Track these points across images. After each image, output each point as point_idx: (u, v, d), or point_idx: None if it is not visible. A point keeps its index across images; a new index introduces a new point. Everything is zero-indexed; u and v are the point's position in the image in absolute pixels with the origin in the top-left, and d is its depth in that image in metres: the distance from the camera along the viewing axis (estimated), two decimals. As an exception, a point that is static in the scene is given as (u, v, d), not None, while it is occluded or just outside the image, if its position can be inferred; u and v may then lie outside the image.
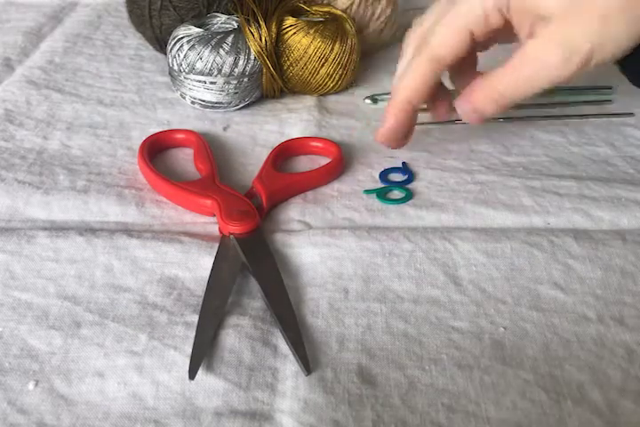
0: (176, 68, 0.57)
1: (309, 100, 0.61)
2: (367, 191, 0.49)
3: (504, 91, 0.41)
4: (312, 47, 0.57)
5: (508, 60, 0.41)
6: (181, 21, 0.61)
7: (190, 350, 0.36)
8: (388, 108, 0.46)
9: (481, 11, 0.41)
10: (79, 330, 0.38)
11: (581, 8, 0.37)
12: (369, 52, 0.68)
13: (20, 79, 0.65)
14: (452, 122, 0.57)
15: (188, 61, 0.56)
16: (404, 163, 0.52)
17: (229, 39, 0.56)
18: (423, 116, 0.58)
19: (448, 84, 0.49)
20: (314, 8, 0.62)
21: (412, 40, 0.46)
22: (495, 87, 0.42)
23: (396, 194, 0.49)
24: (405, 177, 0.50)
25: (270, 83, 0.58)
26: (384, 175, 0.50)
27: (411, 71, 0.44)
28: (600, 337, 0.37)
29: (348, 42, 0.58)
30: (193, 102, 0.59)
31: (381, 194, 0.48)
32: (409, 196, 0.48)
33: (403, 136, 0.48)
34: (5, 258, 0.42)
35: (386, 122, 0.46)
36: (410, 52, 0.46)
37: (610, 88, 0.62)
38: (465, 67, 0.47)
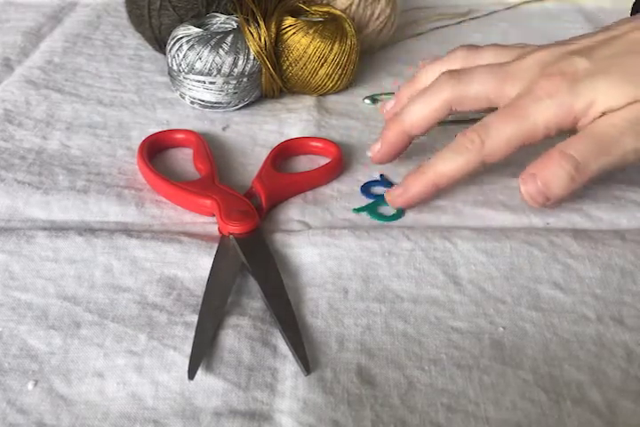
0: (175, 68, 0.57)
1: (309, 100, 0.61)
2: (356, 210, 0.47)
3: (582, 162, 0.39)
4: (311, 47, 0.57)
5: (579, 134, 0.40)
6: (181, 21, 0.61)
7: (190, 350, 0.36)
8: (414, 181, 0.45)
9: (542, 129, 0.41)
10: (79, 330, 0.38)
11: None
12: (368, 52, 0.68)
13: (20, 79, 0.65)
14: (452, 122, 0.57)
15: (188, 61, 0.56)
16: (381, 175, 0.51)
17: (229, 39, 0.56)
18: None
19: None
20: (313, 8, 0.62)
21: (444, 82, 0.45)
22: (572, 156, 0.39)
23: (387, 209, 0.47)
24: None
25: (270, 83, 0.59)
26: (366, 190, 0.49)
27: (453, 160, 0.43)
28: (599, 337, 0.37)
29: (348, 42, 0.58)
30: (192, 102, 0.59)
31: (373, 211, 0.47)
32: (400, 211, 0.47)
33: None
34: (5, 258, 0.42)
35: (408, 193, 0.45)
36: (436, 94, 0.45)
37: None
38: None
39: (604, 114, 0.40)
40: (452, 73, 0.45)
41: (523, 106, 0.41)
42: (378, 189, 0.49)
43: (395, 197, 0.46)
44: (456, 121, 0.57)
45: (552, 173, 0.40)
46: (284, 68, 0.58)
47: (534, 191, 0.41)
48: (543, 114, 0.41)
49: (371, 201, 0.48)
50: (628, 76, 0.40)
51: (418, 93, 0.46)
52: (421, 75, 0.50)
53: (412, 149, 0.49)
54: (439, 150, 0.44)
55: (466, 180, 0.45)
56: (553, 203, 0.42)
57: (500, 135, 0.42)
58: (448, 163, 0.43)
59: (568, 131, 0.42)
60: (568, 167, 0.39)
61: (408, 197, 0.46)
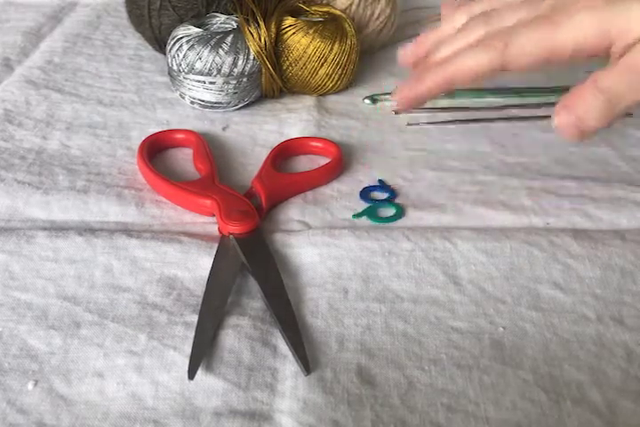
0: (175, 68, 0.57)
1: (309, 100, 0.61)
2: (356, 215, 0.47)
3: (615, 94, 0.37)
4: (311, 47, 0.57)
5: (615, 66, 0.37)
6: (181, 21, 0.61)
7: (190, 350, 0.36)
8: (427, 77, 0.42)
9: (571, 45, 0.38)
10: (79, 330, 0.38)
11: None
12: (368, 52, 0.68)
13: (20, 79, 0.65)
14: (451, 122, 0.57)
15: (188, 61, 0.56)
16: (380, 180, 0.50)
17: (229, 39, 0.56)
18: (422, 117, 0.59)
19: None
20: (313, 8, 0.62)
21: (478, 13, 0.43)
22: (607, 88, 0.37)
23: (387, 211, 0.47)
24: (387, 195, 0.49)
25: (270, 83, 0.59)
26: (365, 194, 0.49)
27: (474, 56, 0.41)
28: (599, 337, 0.37)
29: (348, 42, 0.58)
30: (192, 102, 0.59)
31: (372, 214, 0.47)
32: (400, 211, 0.47)
33: (421, 101, 0.45)
34: (5, 258, 0.42)
35: (422, 86, 0.43)
36: (474, 27, 0.42)
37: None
38: None
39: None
40: (484, 14, 0.43)
41: (556, 17, 0.39)
42: (377, 194, 0.49)
43: (404, 91, 0.44)
44: (456, 120, 0.57)
45: (586, 104, 0.38)
46: (284, 68, 0.58)
47: (568, 123, 0.38)
48: (576, 28, 0.38)
49: (370, 205, 0.47)
50: None
51: (452, 38, 0.44)
52: (447, 19, 0.46)
53: (414, 152, 0.49)
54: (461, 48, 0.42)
55: (479, 81, 0.42)
56: (587, 136, 0.39)
57: (526, 42, 0.39)
58: (470, 58, 0.41)
59: (599, 56, 0.39)
60: (603, 99, 0.37)
61: (419, 91, 0.43)
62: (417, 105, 0.45)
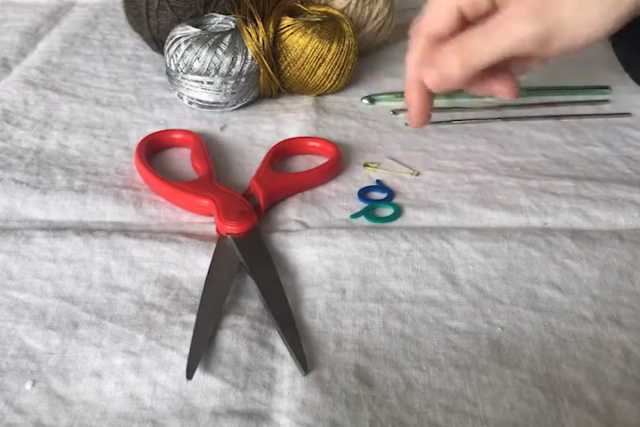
0: (173, 68, 0.57)
1: (307, 100, 0.61)
2: (354, 216, 0.47)
3: (473, 50, 0.40)
4: (309, 47, 0.57)
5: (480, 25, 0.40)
6: (179, 21, 0.61)
7: (188, 350, 0.36)
8: (405, 90, 0.46)
9: None
10: (76, 330, 0.38)
11: None
12: (366, 52, 0.68)
13: (18, 79, 0.65)
14: (449, 122, 0.57)
15: (186, 61, 0.56)
16: (378, 181, 0.50)
17: (227, 39, 0.56)
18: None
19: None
20: (311, 8, 0.62)
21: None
22: (460, 46, 0.41)
23: (384, 211, 0.47)
24: (385, 195, 0.49)
25: (268, 83, 0.59)
26: (363, 195, 0.49)
27: (410, 50, 0.44)
28: (597, 337, 0.37)
29: (346, 42, 0.58)
30: (190, 102, 0.59)
31: (370, 214, 0.47)
32: (397, 211, 0.47)
33: (424, 113, 0.47)
34: (3, 258, 0.42)
35: (408, 103, 0.46)
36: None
37: (607, 88, 0.62)
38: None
39: None
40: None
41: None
42: (375, 194, 0.49)
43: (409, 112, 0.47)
44: (454, 120, 0.57)
45: (444, 63, 0.41)
46: (282, 68, 0.58)
47: (435, 79, 0.42)
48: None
49: (367, 205, 0.47)
50: None
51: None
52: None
53: (414, 152, 0.49)
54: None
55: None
56: (455, 86, 0.42)
57: (429, 8, 0.43)
58: (408, 54, 0.44)
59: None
60: (458, 56, 0.40)
61: (410, 106, 0.46)
62: (425, 119, 0.47)
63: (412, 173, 0.50)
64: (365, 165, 0.52)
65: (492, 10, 0.41)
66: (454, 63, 0.41)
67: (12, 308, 0.39)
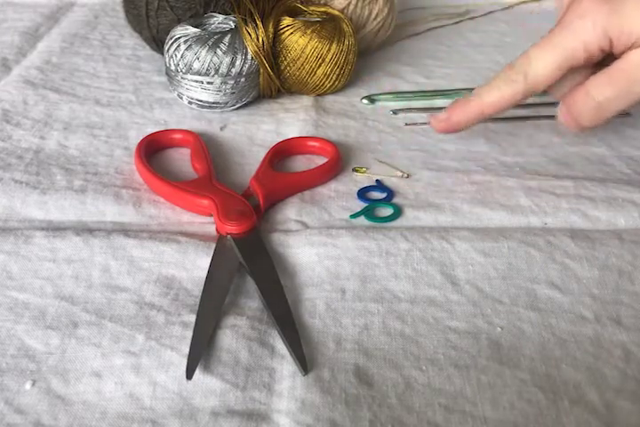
0: (173, 68, 0.57)
1: (306, 100, 0.61)
2: (353, 216, 0.46)
3: (604, 102, 0.42)
4: (309, 47, 0.57)
5: (607, 70, 0.42)
6: (178, 21, 0.61)
7: (187, 350, 0.36)
8: (460, 109, 0.47)
9: (582, 47, 0.42)
10: (76, 330, 0.38)
11: None
12: (366, 52, 0.68)
13: (17, 79, 0.65)
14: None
15: (185, 61, 0.56)
16: (377, 180, 0.50)
17: (226, 39, 0.56)
18: (420, 117, 0.59)
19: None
20: (311, 8, 0.62)
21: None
22: (594, 98, 0.43)
23: (384, 211, 0.47)
24: (385, 195, 0.48)
25: (267, 83, 0.59)
26: (363, 194, 0.48)
27: (499, 91, 0.45)
28: (597, 337, 0.37)
29: (346, 42, 0.58)
30: (190, 102, 0.59)
31: (369, 214, 0.47)
32: (397, 211, 0.46)
33: (458, 129, 0.50)
34: (2, 258, 0.42)
35: (452, 119, 0.48)
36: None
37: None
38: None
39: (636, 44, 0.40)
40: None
41: (559, 31, 0.43)
42: (374, 194, 0.49)
43: (438, 122, 0.49)
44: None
45: (578, 108, 0.44)
46: (282, 68, 0.58)
47: (567, 121, 0.45)
48: (580, 35, 0.42)
49: (367, 205, 0.47)
50: None
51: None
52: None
53: (415, 154, 0.49)
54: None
55: (513, 106, 0.47)
56: (586, 131, 0.46)
57: (541, 65, 0.43)
58: (494, 93, 0.45)
59: (610, 53, 0.42)
60: (593, 105, 0.43)
61: (451, 123, 0.48)
62: (448, 132, 0.50)
63: (402, 176, 0.50)
64: (354, 170, 0.52)
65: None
66: (589, 121, 0.44)
67: (11, 308, 0.39)
